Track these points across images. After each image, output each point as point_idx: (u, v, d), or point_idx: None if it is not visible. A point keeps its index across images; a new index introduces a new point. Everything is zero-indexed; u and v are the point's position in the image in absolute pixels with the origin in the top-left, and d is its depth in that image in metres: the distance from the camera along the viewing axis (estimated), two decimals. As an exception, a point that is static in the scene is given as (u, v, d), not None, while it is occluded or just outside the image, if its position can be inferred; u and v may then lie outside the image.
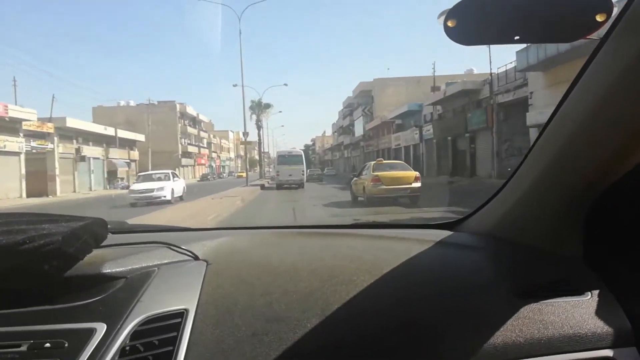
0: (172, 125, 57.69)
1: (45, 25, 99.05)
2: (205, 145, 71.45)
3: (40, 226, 0.86)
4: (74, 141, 34.20)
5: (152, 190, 17.29)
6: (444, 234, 1.25)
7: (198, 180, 53.74)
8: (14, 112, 26.20)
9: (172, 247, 1.09)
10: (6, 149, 25.66)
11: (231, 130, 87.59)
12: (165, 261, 1.03)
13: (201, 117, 69.33)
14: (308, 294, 0.89)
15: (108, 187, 37.89)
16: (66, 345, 0.74)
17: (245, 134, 27.90)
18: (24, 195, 26.43)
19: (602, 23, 0.71)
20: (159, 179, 18.81)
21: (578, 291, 0.90)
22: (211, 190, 21.18)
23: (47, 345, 0.74)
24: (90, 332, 0.76)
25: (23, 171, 26.91)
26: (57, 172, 30.08)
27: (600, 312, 0.86)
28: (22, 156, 27.02)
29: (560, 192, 0.93)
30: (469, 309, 0.87)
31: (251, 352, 0.76)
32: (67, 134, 32.85)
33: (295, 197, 17.16)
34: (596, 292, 0.91)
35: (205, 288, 0.90)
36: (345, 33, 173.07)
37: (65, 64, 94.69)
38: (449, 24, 0.75)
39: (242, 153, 40.74)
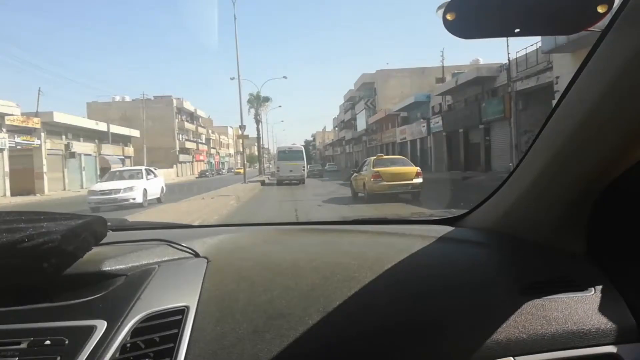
0: (169, 121, 56.80)
1: (38, 22, 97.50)
2: (203, 141, 70.50)
3: (39, 224, 0.86)
4: (63, 137, 32.93)
5: (117, 191, 14.10)
6: (446, 229, 1.24)
7: (196, 177, 52.83)
8: (-6, 106, 24.70)
9: (172, 244, 1.08)
10: (-13, 146, 24.26)
11: (230, 126, 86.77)
12: (166, 258, 1.02)
13: (199, 112, 68.30)
14: (309, 291, 0.88)
15: (101, 184, 36.42)
16: (66, 342, 0.74)
17: (242, 127, 26.15)
18: (8, 194, 24.90)
19: (604, 14, 0.69)
20: (130, 177, 15.79)
21: (581, 287, 0.90)
22: (207, 187, 20.10)
23: (47, 342, 0.74)
24: (91, 330, 0.76)
25: (7, 169, 25.48)
26: (44, 169, 28.73)
27: (604, 308, 0.86)
28: (6, 153, 25.54)
29: (564, 187, 0.92)
30: (471, 304, 0.86)
31: (252, 349, 0.76)
32: (55, 130, 31.54)
33: (296, 196, 16.15)
34: (600, 287, 0.90)
35: (206, 285, 0.90)
36: (346, 25, 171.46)
37: (59, 60, 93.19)
38: (448, 17, 0.73)
39: (241, 149, 39.51)
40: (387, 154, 30.02)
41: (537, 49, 18.51)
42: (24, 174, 26.56)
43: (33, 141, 28.15)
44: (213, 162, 75.31)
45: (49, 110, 30.73)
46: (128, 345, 0.75)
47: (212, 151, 77.28)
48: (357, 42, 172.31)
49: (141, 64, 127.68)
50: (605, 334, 0.83)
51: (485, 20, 0.75)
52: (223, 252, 1.09)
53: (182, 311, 0.81)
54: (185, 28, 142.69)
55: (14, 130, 26.41)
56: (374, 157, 13.94)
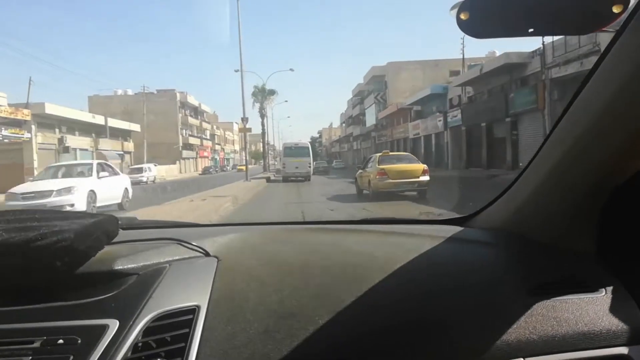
0: (172, 115, 55.18)
1: (41, 15, 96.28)
2: (208, 137, 68.75)
3: (52, 223, 0.87)
4: (57, 130, 31.22)
5: (47, 194, 10.39)
6: (455, 229, 1.24)
7: (199, 174, 51.11)
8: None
9: (183, 243, 1.08)
10: (-30, 138, 22.58)
11: (236, 122, 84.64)
12: (177, 257, 1.02)
13: (204, 107, 66.73)
14: (320, 291, 0.89)
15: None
16: (79, 341, 0.74)
17: (245, 119, 23.88)
18: (-6, 190, 23.17)
19: (619, 14, 0.69)
20: (72, 174, 11.95)
21: (592, 288, 0.90)
22: (206, 184, 18.68)
23: (60, 341, 0.74)
24: (103, 329, 0.76)
25: (-7, 163, 23.74)
26: (35, 164, 26.97)
27: (615, 309, 0.86)
28: (-9, 146, 23.84)
29: (574, 187, 0.93)
30: (481, 305, 0.87)
31: (263, 348, 0.77)
32: (47, 122, 29.89)
33: (302, 197, 14.37)
34: (610, 289, 0.90)
35: (217, 284, 0.90)
36: (354, 20, 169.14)
37: (60, 52, 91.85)
38: (462, 16, 0.74)
39: (244, 144, 37.64)
40: (399, 151, 28.18)
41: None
42: (13, 169, 24.63)
43: (23, 134, 26.47)
44: (218, 158, 73.82)
45: (44, 102, 29.02)
46: (140, 344, 0.75)
47: (217, 147, 75.86)
48: (365, 37, 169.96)
49: (145, 58, 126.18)
50: (616, 335, 0.83)
51: (499, 20, 0.75)
52: (233, 252, 1.09)
53: (193, 310, 0.82)
54: (197, 23, 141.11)
55: (2, 123, 24.82)
56: (380, 154, 13.50)
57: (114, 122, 39.29)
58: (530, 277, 0.91)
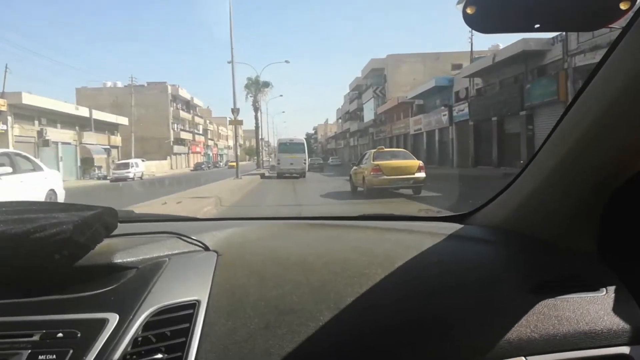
0: (163, 109, 53.17)
1: (31, 5, 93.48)
2: (200, 132, 66.65)
3: (51, 215, 0.86)
4: (36, 122, 29.19)
5: None
6: (455, 226, 1.24)
7: (191, 170, 49.17)
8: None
9: (182, 237, 1.08)
10: None
11: (230, 117, 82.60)
12: (176, 251, 1.02)
13: (196, 101, 64.70)
14: (320, 287, 0.89)
15: (82, 177, 32.72)
16: (79, 335, 0.74)
17: (236, 110, 22.07)
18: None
19: (626, 11, 0.69)
20: None
21: (593, 287, 0.90)
22: (195, 181, 17.46)
23: (60, 335, 0.74)
24: (103, 323, 0.76)
25: (-38, 157, 21.70)
26: (11, 159, 24.93)
27: (616, 309, 0.86)
28: (-39, 138, 21.83)
29: (576, 185, 0.92)
30: (482, 303, 0.87)
31: (264, 344, 0.77)
32: (25, 114, 27.98)
33: (298, 197, 13.24)
34: (612, 288, 0.90)
35: (217, 279, 0.90)
36: (352, 13, 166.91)
37: (50, 44, 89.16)
38: (468, 10, 0.74)
39: (240, 141, 35.89)
40: (399, 147, 26.47)
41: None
42: (-15, 164, 23.08)
43: (-3, 126, 24.62)
44: (211, 154, 71.90)
45: (22, 92, 26.99)
46: (140, 338, 0.75)
47: (210, 143, 73.87)
48: (363, 31, 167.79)
49: (136, 50, 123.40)
50: (617, 334, 0.83)
51: (505, 15, 0.74)
52: (233, 246, 1.09)
53: (194, 305, 0.81)
54: (195, 16, 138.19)
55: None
56: (374, 150, 13.24)
57: (100, 115, 37.34)
58: (531, 275, 0.91)
